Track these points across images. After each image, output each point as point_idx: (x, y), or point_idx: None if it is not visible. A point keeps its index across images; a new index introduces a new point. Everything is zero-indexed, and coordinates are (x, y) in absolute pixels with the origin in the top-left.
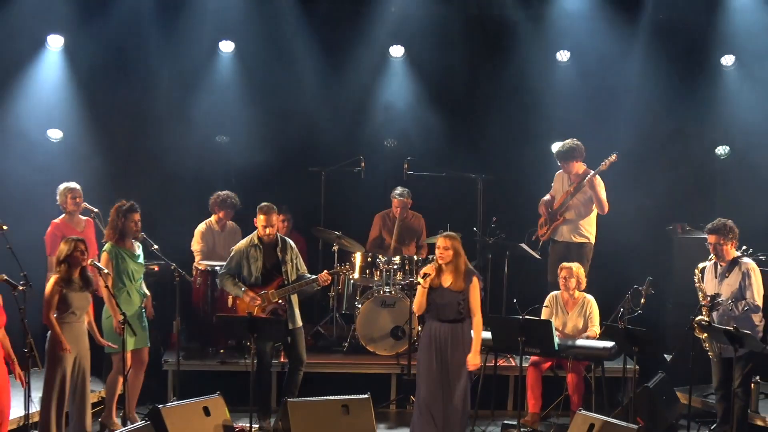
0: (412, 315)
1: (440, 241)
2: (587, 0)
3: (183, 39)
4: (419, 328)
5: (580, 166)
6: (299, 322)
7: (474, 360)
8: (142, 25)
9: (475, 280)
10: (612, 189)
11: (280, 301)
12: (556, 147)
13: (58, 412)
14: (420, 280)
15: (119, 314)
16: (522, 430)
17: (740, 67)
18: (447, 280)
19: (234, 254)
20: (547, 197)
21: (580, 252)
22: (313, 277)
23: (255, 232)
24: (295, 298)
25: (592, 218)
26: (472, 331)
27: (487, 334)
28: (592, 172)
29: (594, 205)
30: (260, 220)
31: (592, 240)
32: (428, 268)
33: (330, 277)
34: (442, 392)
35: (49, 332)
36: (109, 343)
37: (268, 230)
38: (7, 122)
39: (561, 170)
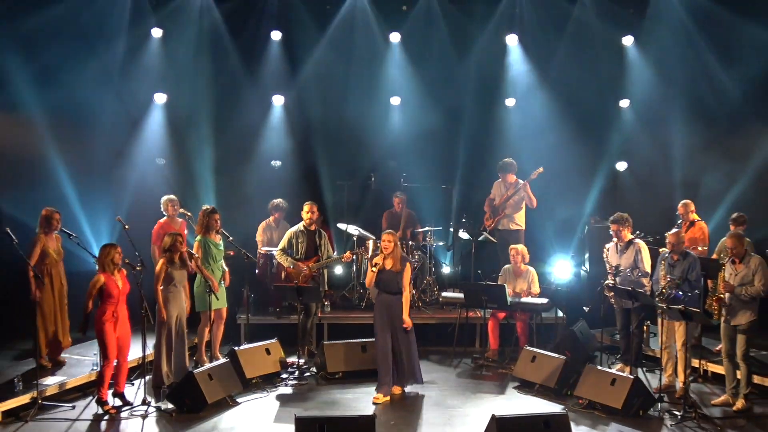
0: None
1: (385, 237)
2: (526, 64)
3: (248, 95)
4: (413, 292)
5: (512, 177)
6: (326, 287)
7: (406, 321)
8: (221, 83)
9: (408, 265)
10: (548, 194)
11: (315, 272)
12: (499, 163)
13: (167, 353)
14: (373, 268)
15: (213, 279)
16: (486, 361)
17: (632, 108)
18: (389, 264)
19: (286, 237)
20: (488, 199)
21: (517, 236)
22: (339, 256)
23: (301, 222)
24: (326, 271)
25: (523, 212)
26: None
27: (460, 295)
28: (522, 181)
29: (524, 203)
30: (304, 210)
31: (523, 227)
32: (378, 259)
33: (352, 256)
34: (392, 342)
35: (159, 297)
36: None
37: (309, 215)
38: (128, 152)
39: (498, 180)
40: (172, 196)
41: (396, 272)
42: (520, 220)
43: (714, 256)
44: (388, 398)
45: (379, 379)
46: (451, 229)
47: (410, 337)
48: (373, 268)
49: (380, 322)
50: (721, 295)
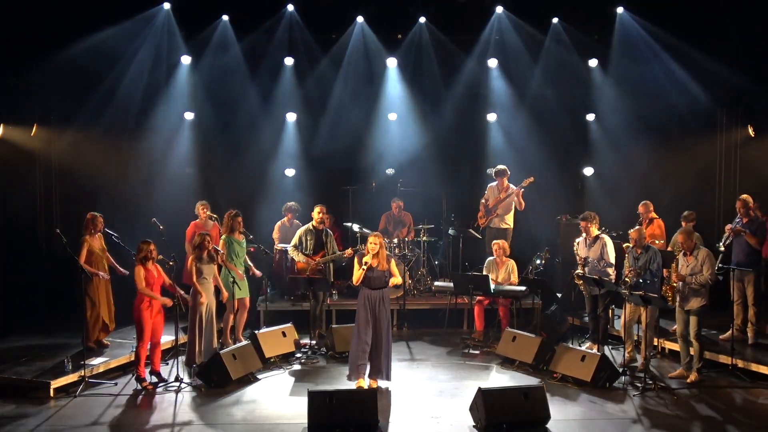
0: (404, 274)
1: (371, 239)
2: (506, 84)
3: (264, 113)
4: (409, 282)
5: (505, 182)
6: (331, 279)
7: (396, 281)
8: (241, 102)
9: (393, 260)
10: (530, 196)
11: (322, 265)
12: (493, 168)
13: (199, 336)
14: (363, 267)
15: (237, 270)
16: (473, 341)
17: (597, 121)
18: (375, 263)
19: (298, 235)
20: (483, 200)
21: (505, 233)
22: (342, 251)
23: (310, 222)
24: (332, 265)
25: (512, 214)
26: (392, 287)
27: (450, 284)
28: (516, 186)
29: (513, 205)
30: (315, 211)
31: (512, 226)
32: (368, 258)
33: (352, 252)
34: (373, 333)
35: (192, 288)
36: (225, 292)
37: (319, 216)
38: (162, 163)
39: (492, 183)
40: (204, 201)
41: (382, 270)
42: (509, 220)
43: (669, 249)
44: (363, 381)
45: (351, 365)
46: (442, 227)
47: (388, 334)
48: (363, 266)
49: (363, 315)
50: (674, 284)
